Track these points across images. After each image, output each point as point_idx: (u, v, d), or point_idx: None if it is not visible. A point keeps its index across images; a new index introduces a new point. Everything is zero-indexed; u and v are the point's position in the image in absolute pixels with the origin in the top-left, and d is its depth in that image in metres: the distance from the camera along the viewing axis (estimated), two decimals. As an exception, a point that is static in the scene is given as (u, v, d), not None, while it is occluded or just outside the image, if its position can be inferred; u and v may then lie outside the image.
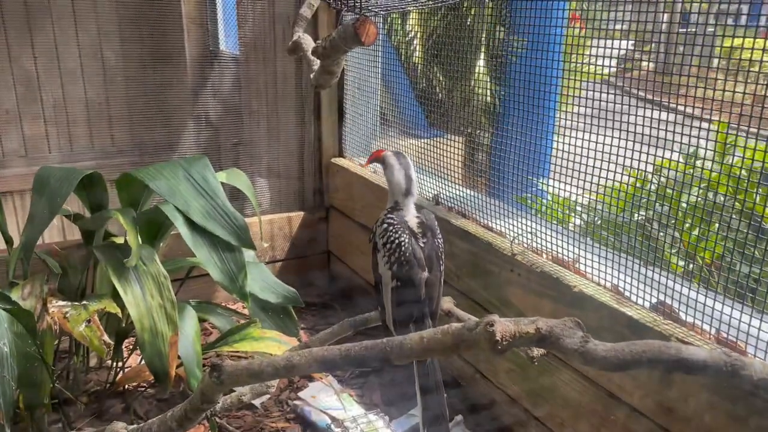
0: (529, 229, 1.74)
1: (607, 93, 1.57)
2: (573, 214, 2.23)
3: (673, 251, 1.91)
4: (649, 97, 1.77)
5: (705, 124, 1.46)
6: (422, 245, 1.39)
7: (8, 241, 1.87)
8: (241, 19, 2.54)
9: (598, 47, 1.72)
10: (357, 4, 1.48)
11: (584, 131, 1.60)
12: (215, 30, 2.63)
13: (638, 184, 2.01)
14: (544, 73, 1.82)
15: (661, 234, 1.89)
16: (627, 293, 1.48)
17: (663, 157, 1.53)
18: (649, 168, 1.54)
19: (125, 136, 2.52)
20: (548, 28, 1.78)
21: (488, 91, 3.39)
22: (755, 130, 1.40)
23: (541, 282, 1.62)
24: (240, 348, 1.74)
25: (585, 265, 1.59)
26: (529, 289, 1.66)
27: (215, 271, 1.64)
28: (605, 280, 1.54)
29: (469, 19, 2.90)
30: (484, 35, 3.18)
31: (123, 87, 2.46)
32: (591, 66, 1.92)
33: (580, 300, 1.50)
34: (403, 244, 1.36)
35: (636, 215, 1.95)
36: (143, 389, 1.99)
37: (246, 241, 1.69)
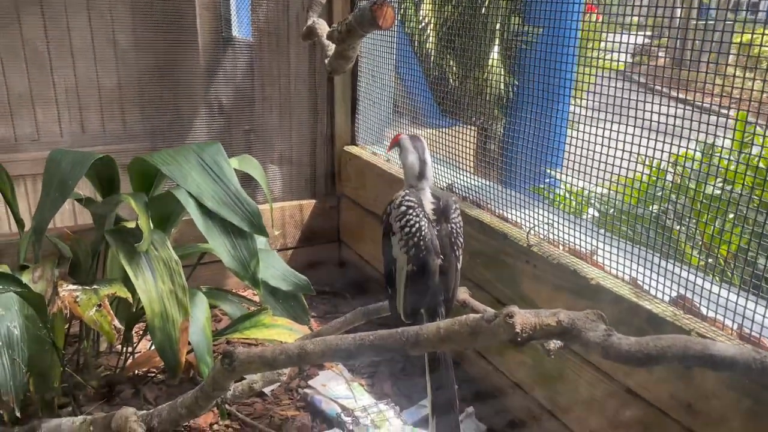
0: (545, 220, 1.71)
1: (622, 85, 1.54)
2: (588, 206, 2.20)
3: (691, 244, 1.88)
4: (665, 90, 1.74)
5: (722, 118, 1.43)
6: (437, 231, 1.36)
7: (19, 224, 1.86)
8: (255, 5, 2.51)
9: (613, 40, 1.69)
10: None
11: (598, 123, 1.57)
12: (228, 15, 2.61)
13: (654, 176, 1.98)
14: (559, 64, 1.78)
15: (679, 226, 1.86)
16: (646, 286, 1.45)
17: (680, 149, 1.50)
18: (665, 160, 1.51)
19: (137, 122, 2.51)
20: (564, 18, 1.75)
21: (501, 81, 3.36)
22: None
23: (557, 274, 1.59)
24: (251, 335, 1.72)
25: (602, 257, 1.56)
26: (545, 281, 1.63)
27: (227, 257, 1.63)
28: (623, 272, 1.51)
29: (483, 8, 2.86)
30: (498, 24, 3.14)
31: (135, 72, 2.44)
32: (606, 57, 1.88)
33: (597, 293, 1.47)
34: (423, 228, 1.33)
35: (652, 207, 1.92)
36: (153, 375, 1.99)
37: (259, 227, 1.67)
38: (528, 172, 1.92)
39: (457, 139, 2.12)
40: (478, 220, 1.88)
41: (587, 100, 1.69)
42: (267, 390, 1.93)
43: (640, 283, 1.46)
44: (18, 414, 1.50)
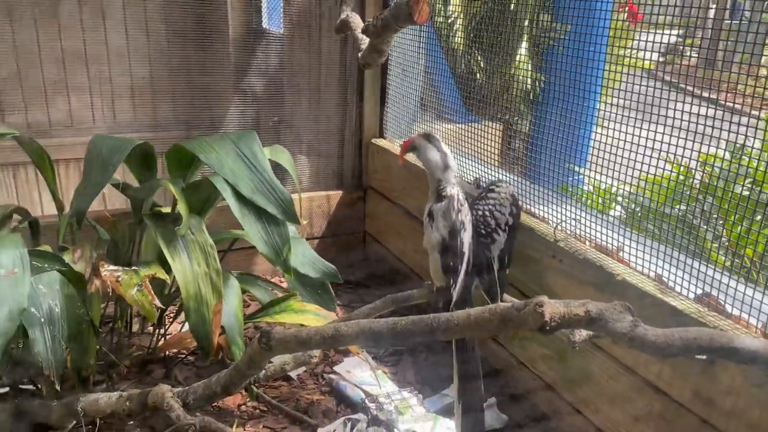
0: (573, 216, 1.74)
1: (652, 84, 1.56)
2: (615, 203, 2.22)
3: (717, 245, 1.89)
4: (694, 89, 1.75)
5: (752, 120, 1.44)
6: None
7: (59, 207, 1.93)
8: (287, -3, 2.55)
9: (644, 39, 1.70)
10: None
11: (626, 122, 1.59)
12: (259, 7, 2.65)
13: (682, 175, 1.99)
14: (588, 62, 1.80)
15: (705, 227, 1.87)
16: (671, 283, 1.47)
17: (709, 149, 1.52)
18: (693, 160, 1.52)
19: (167, 111, 2.57)
20: (594, 15, 1.76)
21: (528, 78, 3.37)
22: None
23: (583, 269, 1.62)
24: (280, 319, 1.77)
25: (628, 254, 1.58)
26: (571, 276, 1.66)
27: (261, 243, 1.67)
28: (648, 269, 1.53)
29: (512, 4, 2.88)
30: (527, 20, 3.15)
31: (167, 62, 2.50)
32: (636, 56, 1.89)
33: (623, 288, 1.50)
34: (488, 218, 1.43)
35: (679, 207, 1.94)
36: (183, 356, 2.05)
37: (291, 215, 1.71)
38: (554, 169, 1.94)
39: (483, 135, 2.14)
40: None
41: (615, 98, 1.71)
42: (293, 374, 1.98)
43: (665, 280, 1.48)
44: (58, 387, 1.56)
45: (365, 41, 1.88)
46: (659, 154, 1.51)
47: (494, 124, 2.51)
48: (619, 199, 2.21)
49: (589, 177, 2.16)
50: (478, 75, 3.44)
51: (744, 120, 1.41)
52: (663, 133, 1.48)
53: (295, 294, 1.84)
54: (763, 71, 1.54)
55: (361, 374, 1.97)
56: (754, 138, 1.89)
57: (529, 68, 3.33)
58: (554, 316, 1.03)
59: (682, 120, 1.46)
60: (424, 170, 1.61)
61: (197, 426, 1.32)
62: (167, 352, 2.04)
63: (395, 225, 2.57)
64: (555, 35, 2.59)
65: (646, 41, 1.69)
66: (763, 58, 1.40)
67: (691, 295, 1.42)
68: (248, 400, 1.86)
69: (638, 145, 1.55)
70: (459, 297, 1.42)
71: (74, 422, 1.65)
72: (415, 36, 2.48)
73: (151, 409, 1.49)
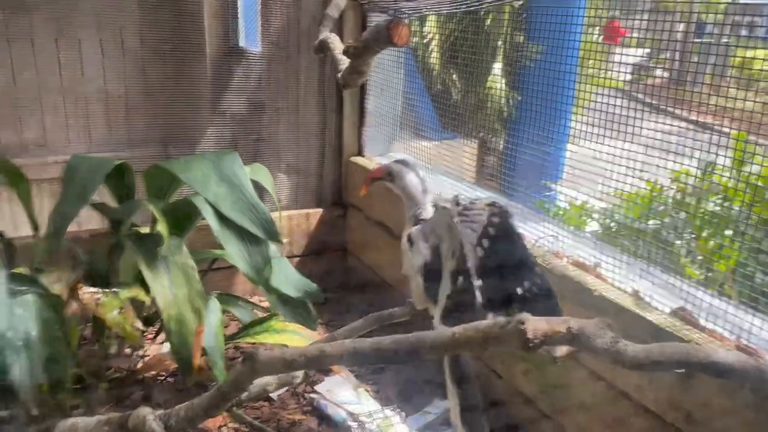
0: (550, 233, 1.77)
1: (622, 102, 1.60)
2: (590, 219, 2.26)
3: (690, 259, 1.94)
4: (663, 106, 1.80)
5: (721, 137, 1.49)
6: None
7: (35, 227, 1.90)
8: (265, 16, 2.57)
9: (614, 59, 1.75)
10: (391, 7, 1.51)
11: (598, 139, 1.63)
12: (236, 26, 2.66)
13: (654, 192, 2.04)
14: (560, 81, 1.84)
15: (678, 241, 1.92)
16: (647, 298, 1.50)
17: (681, 166, 1.56)
18: (664, 176, 1.57)
19: (144, 129, 2.55)
20: (566, 36, 1.81)
21: (503, 96, 3.43)
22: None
23: (561, 285, 1.64)
24: (261, 340, 1.77)
25: (605, 269, 1.62)
26: (549, 291, 1.68)
27: (242, 263, 1.67)
28: (625, 285, 1.56)
29: (486, 24, 2.94)
30: (501, 40, 3.21)
31: (143, 80, 2.48)
32: (607, 75, 1.95)
33: (601, 304, 1.53)
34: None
35: (652, 222, 1.98)
36: (163, 378, 2.03)
37: (273, 234, 1.72)
38: (529, 185, 1.98)
39: (459, 152, 2.18)
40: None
41: (587, 116, 1.75)
42: (274, 394, 1.97)
43: (642, 295, 1.52)
44: (35, 412, 1.53)
45: (344, 62, 1.90)
46: (629, 170, 1.55)
47: (470, 141, 2.55)
48: (595, 215, 2.25)
49: (563, 193, 2.20)
50: (453, 93, 3.50)
51: (713, 137, 1.45)
52: (633, 151, 1.52)
53: (276, 314, 1.83)
54: (731, 90, 1.60)
55: (342, 393, 1.97)
56: (725, 156, 1.95)
57: (504, 87, 3.40)
58: (537, 334, 1.05)
59: (648, 136, 1.50)
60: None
61: (180, 449, 1.30)
62: (146, 374, 2.02)
63: (376, 242, 2.58)
64: (528, 54, 2.65)
65: (614, 61, 1.74)
66: (728, 75, 1.45)
67: (667, 310, 1.46)
68: (230, 421, 1.84)
69: (608, 162, 1.58)
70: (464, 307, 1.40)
71: (52, 448, 1.62)
72: (393, 55, 2.51)
73: (131, 433, 1.47)
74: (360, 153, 2.76)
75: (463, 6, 1.59)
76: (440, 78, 3.65)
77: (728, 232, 1.75)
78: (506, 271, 1.27)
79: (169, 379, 2.04)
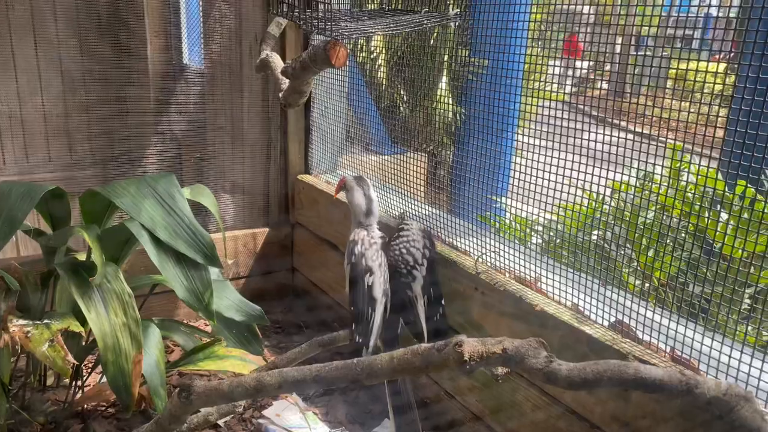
0: (492, 248, 1.78)
1: (566, 115, 1.63)
2: (532, 233, 2.29)
3: (629, 271, 1.99)
4: (608, 118, 1.84)
5: (658, 145, 1.53)
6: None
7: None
8: (207, 35, 2.54)
9: (557, 72, 1.79)
10: (328, 29, 1.51)
11: (542, 152, 1.65)
12: (179, 44, 2.62)
13: (594, 205, 2.08)
14: (505, 94, 1.87)
15: (618, 254, 1.96)
16: (586, 312, 1.53)
17: (621, 177, 1.59)
18: (605, 188, 1.60)
19: (84, 150, 2.48)
20: (509, 51, 1.84)
21: (450, 110, 3.46)
22: (706, 152, 1.46)
23: (503, 301, 1.66)
24: (204, 366, 1.72)
25: (546, 284, 1.64)
26: (492, 307, 1.70)
27: (181, 289, 1.63)
28: (565, 299, 1.59)
29: (432, 39, 2.97)
30: (446, 55, 3.25)
31: (83, 99, 2.42)
32: (550, 87, 1.99)
33: (542, 319, 1.54)
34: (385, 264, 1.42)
35: (593, 235, 2.02)
36: (103, 409, 1.96)
37: (212, 259, 1.68)
38: (475, 200, 2.00)
39: (407, 167, 2.18)
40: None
41: (531, 129, 1.78)
42: (221, 421, 1.93)
43: (581, 309, 1.54)
44: (-38, 454, 1.46)
45: (285, 82, 1.88)
46: (571, 183, 1.58)
47: (418, 155, 2.56)
48: (538, 228, 2.28)
49: (509, 207, 2.23)
50: (401, 108, 3.52)
51: (651, 147, 1.49)
52: (576, 162, 1.55)
53: (219, 339, 1.79)
54: (666, 101, 1.64)
55: (290, 417, 1.94)
56: (662, 166, 2.01)
57: (450, 101, 3.44)
58: (473, 355, 1.06)
59: (592, 148, 1.53)
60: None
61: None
62: (85, 406, 1.95)
63: (323, 260, 2.56)
64: (473, 69, 2.68)
65: (556, 74, 1.77)
66: (667, 86, 1.50)
67: (606, 323, 1.48)
68: (173, 451, 1.79)
69: (551, 174, 1.61)
70: (385, 337, 1.43)
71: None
72: (337, 73, 2.51)
73: (67, 470, 1.41)
74: (307, 171, 2.74)
75: (400, 28, 1.60)
76: (388, 92, 3.67)
77: (665, 242, 1.80)
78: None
79: (110, 410, 1.97)
